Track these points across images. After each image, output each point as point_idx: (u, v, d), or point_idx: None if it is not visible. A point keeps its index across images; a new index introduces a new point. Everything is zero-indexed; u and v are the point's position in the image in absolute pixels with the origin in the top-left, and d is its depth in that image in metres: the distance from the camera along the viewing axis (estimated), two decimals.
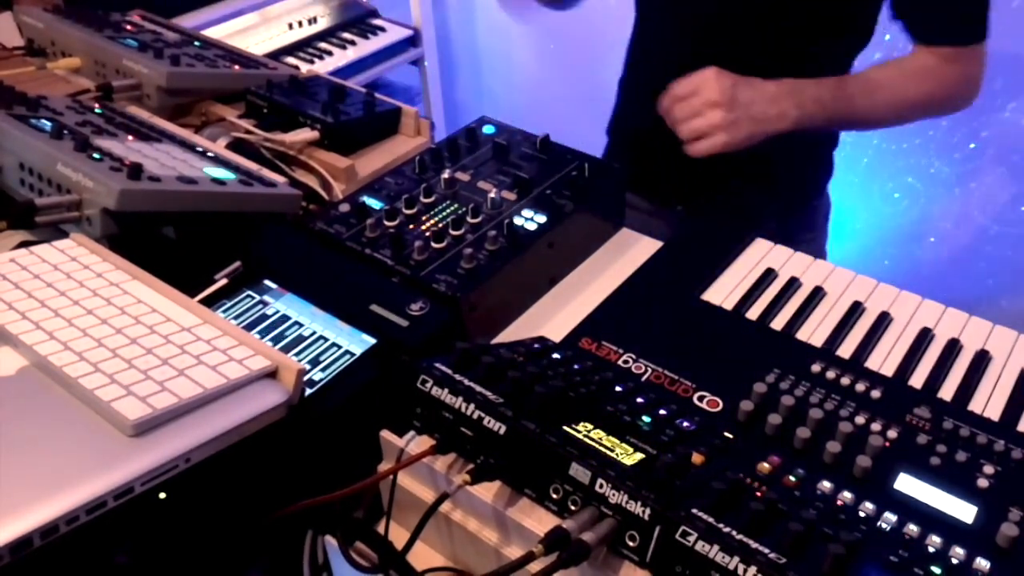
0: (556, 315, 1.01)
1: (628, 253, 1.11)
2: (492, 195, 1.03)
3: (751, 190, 1.35)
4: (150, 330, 0.77)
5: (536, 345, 0.81)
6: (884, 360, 0.86)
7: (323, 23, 2.52)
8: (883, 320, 0.91)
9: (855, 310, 0.92)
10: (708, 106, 1.08)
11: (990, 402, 0.81)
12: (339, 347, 0.85)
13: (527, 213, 1.02)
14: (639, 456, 0.65)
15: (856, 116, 1.17)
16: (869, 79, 1.17)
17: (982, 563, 0.61)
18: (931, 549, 0.62)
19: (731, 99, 1.07)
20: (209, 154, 1.12)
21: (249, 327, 0.87)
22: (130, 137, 1.09)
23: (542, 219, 1.02)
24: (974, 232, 2.17)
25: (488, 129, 1.20)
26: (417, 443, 0.72)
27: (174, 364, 0.72)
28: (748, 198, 1.36)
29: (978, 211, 2.14)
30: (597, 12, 2.44)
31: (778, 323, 0.91)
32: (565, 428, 0.66)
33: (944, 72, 1.17)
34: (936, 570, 0.60)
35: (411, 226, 1.01)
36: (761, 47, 1.17)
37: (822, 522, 0.61)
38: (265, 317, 0.89)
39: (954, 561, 0.61)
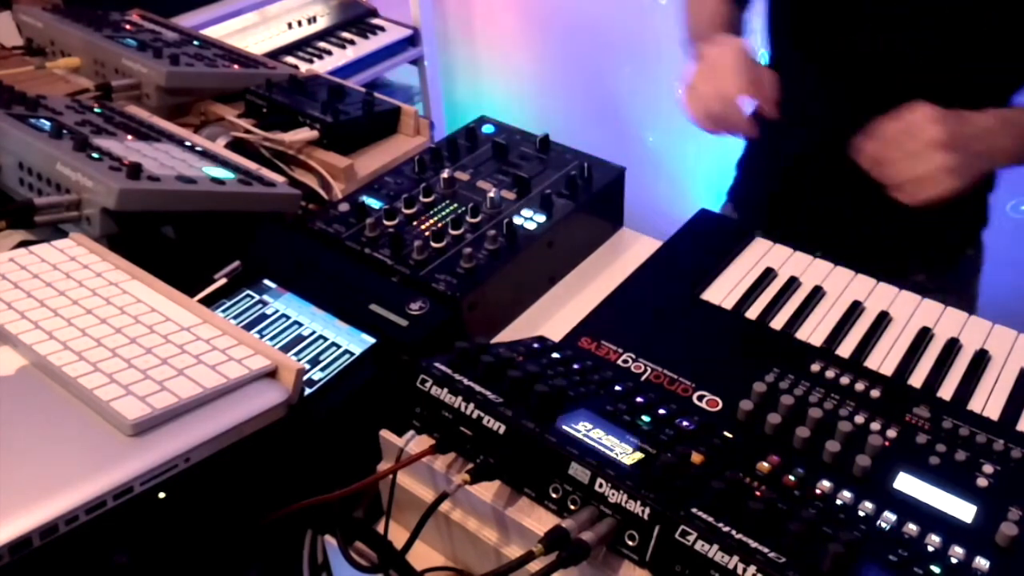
0: (556, 314, 1.01)
1: (628, 253, 1.11)
2: (492, 195, 1.03)
3: (896, 237, 1.23)
4: (149, 330, 0.77)
5: (536, 344, 0.81)
6: (883, 359, 0.86)
7: (322, 22, 2.52)
8: (882, 319, 0.91)
9: (854, 309, 0.92)
10: (930, 148, 0.93)
11: (989, 401, 0.81)
12: (338, 347, 0.85)
13: (527, 212, 1.02)
14: (639, 456, 0.65)
15: None
16: None
17: (981, 562, 0.61)
18: (930, 548, 0.62)
19: (954, 139, 0.93)
20: (208, 154, 1.12)
21: (248, 327, 0.87)
22: (129, 137, 1.09)
23: (542, 219, 1.02)
24: None
25: (488, 129, 1.20)
26: (417, 443, 0.72)
27: (173, 364, 0.72)
28: (893, 246, 1.23)
29: None
30: (597, 12, 2.45)
31: (777, 323, 0.91)
32: (565, 427, 0.66)
33: None
34: (935, 569, 0.60)
35: (411, 226, 1.01)
36: (935, 87, 1.00)
37: (822, 521, 0.61)
38: (264, 317, 0.89)
39: (953, 560, 0.61)
